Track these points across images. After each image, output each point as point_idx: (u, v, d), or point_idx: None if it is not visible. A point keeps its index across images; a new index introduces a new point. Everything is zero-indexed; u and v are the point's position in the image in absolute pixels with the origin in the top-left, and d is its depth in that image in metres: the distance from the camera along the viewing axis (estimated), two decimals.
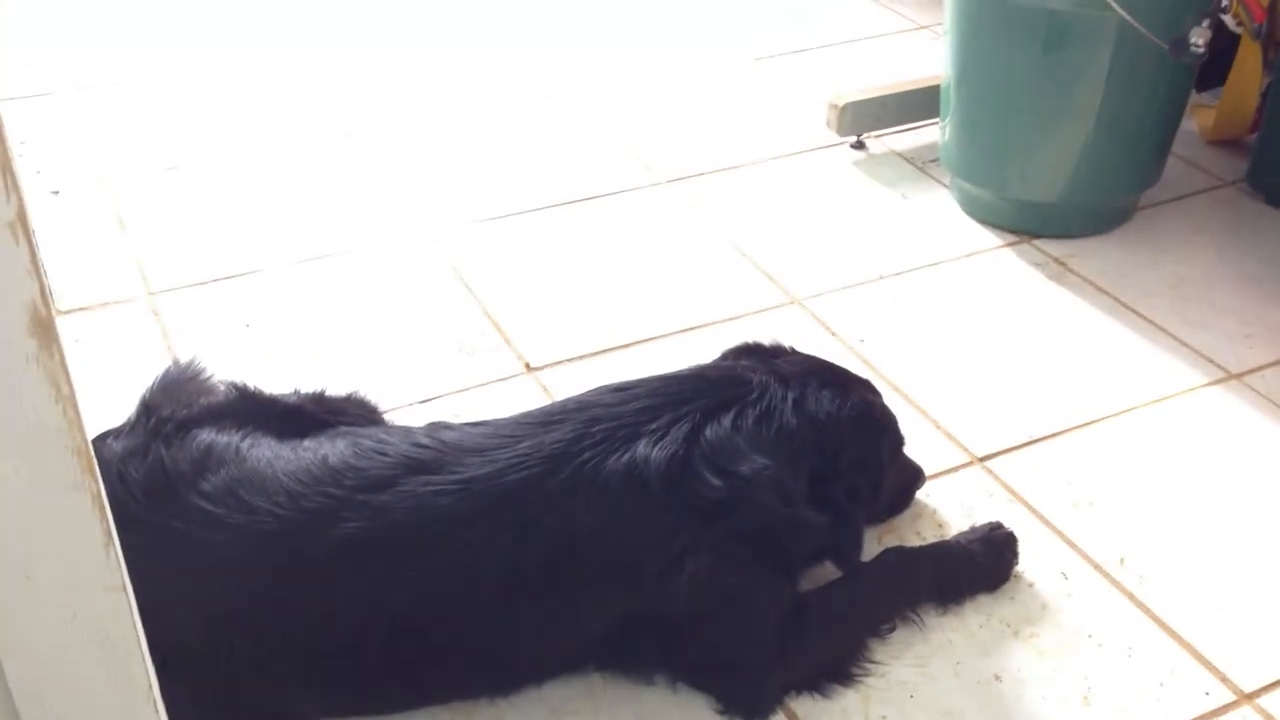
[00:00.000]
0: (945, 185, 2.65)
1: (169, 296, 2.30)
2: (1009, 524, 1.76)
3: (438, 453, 1.48)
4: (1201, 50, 2.26)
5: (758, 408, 1.56)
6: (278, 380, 1.76)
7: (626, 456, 1.47)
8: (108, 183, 2.65)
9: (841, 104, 2.76)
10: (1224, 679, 1.59)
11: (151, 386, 1.69)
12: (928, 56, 3.05)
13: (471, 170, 2.75)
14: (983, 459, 1.94)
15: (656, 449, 1.48)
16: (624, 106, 3.01)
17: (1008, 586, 1.72)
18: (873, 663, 1.60)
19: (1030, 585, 1.72)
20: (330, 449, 1.49)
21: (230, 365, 1.83)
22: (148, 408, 1.59)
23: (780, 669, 1.55)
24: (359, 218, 2.56)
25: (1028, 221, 2.50)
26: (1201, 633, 1.65)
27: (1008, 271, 2.41)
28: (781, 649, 1.54)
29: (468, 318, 2.26)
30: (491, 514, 1.44)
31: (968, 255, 2.46)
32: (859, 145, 2.82)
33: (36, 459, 0.75)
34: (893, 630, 1.64)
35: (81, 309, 2.25)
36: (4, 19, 3.42)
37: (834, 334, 2.22)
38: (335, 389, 1.77)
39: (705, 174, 2.72)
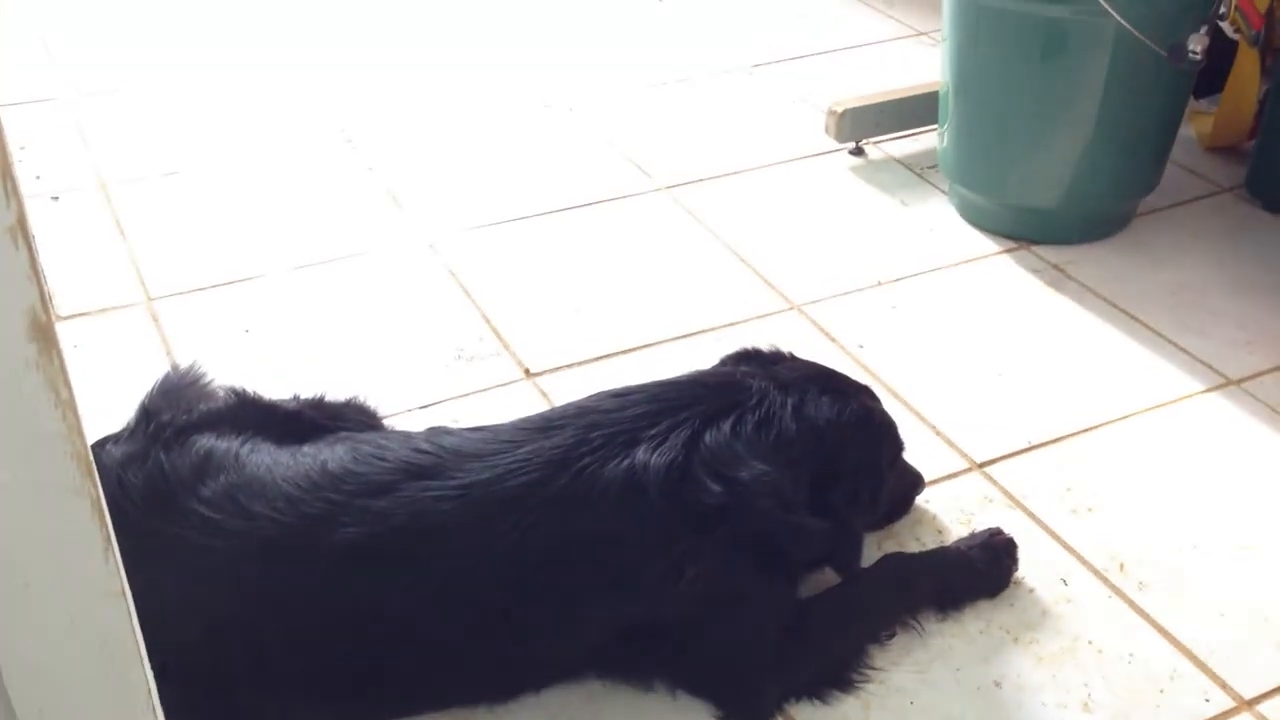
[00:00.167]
0: (944, 191, 2.66)
1: (168, 302, 2.30)
2: (1008, 530, 1.76)
3: (437, 458, 1.48)
4: (1199, 57, 2.27)
5: (757, 414, 1.56)
6: (277, 386, 1.76)
7: (626, 462, 1.47)
8: (107, 188, 2.65)
9: (840, 110, 2.76)
10: (1224, 685, 1.59)
11: (151, 392, 1.69)
12: (926, 63, 3.06)
13: (470, 176, 2.75)
14: (982, 465, 1.94)
15: (656, 455, 1.48)
16: (623, 112, 3.02)
17: (1007, 593, 1.71)
18: (873, 669, 1.59)
19: (1030, 591, 1.72)
20: (329, 454, 1.49)
21: (230, 371, 1.82)
22: (147, 413, 1.58)
23: (780, 675, 1.54)
24: (358, 223, 2.56)
25: (1026, 228, 2.50)
26: (1201, 639, 1.65)
27: (1006, 278, 2.41)
28: (781, 655, 1.54)
29: (467, 323, 2.26)
30: (491, 519, 1.44)
31: (966, 261, 2.46)
32: (858, 151, 2.82)
33: (36, 464, 0.74)
34: (892, 636, 1.64)
35: (81, 314, 2.25)
36: (4, 25, 3.42)
37: (833, 340, 2.22)
38: (334, 394, 1.77)
39: (704, 180, 2.73)
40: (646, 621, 1.49)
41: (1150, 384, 2.12)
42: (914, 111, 2.81)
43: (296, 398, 1.73)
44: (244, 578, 1.41)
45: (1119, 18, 2.17)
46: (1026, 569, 1.74)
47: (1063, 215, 2.48)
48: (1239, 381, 2.12)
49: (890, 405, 1.84)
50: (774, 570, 1.54)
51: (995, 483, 1.91)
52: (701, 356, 1.94)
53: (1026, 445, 1.98)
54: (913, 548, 1.78)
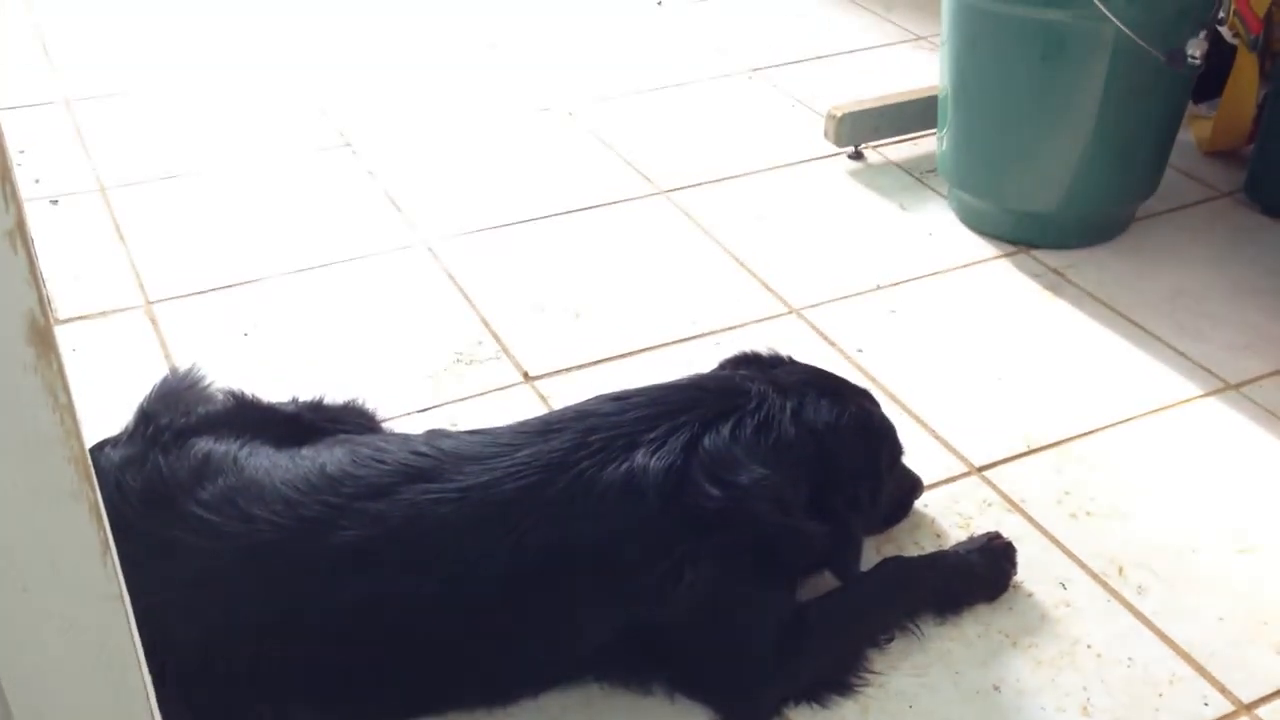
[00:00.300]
0: (943, 195, 2.66)
1: (167, 305, 2.30)
2: (1007, 534, 1.76)
3: (436, 461, 1.48)
4: (1198, 61, 2.27)
5: (756, 417, 1.56)
6: (276, 389, 1.76)
7: (625, 466, 1.47)
8: (107, 191, 2.66)
9: (839, 114, 2.77)
10: (1223, 689, 1.59)
11: (149, 395, 1.69)
12: (925, 67, 3.06)
13: (469, 179, 2.75)
14: (981, 469, 1.94)
15: (655, 459, 1.48)
16: (622, 116, 3.02)
17: (1006, 596, 1.71)
18: (871, 673, 1.59)
19: (1029, 595, 1.72)
20: (328, 457, 1.49)
21: (229, 374, 1.82)
22: (146, 416, 1.59)
23: (779, 679, 1.54)
24: (357, 226, 2.57)
25: (1025, 232, 2.51)
26: (1201, 642, 1.65)
27: (1005, 282, 2.41)
28: (780, 659, 1.54)
29: (466, 327, 2.26)
30: (489, 523, 1.44)
31: (965, 265, 2.46)
32: (857, 155, 2.83)
33: (34, 468, 0.75)
34: (891, 640, 1.64)
35: (80, 318, 2.25)
36: (3, 28, 3.42)
37: (832, 344, 2.22)
38: (333, 397, 1.77)
39: (703, 183, 2.73)
40: (645, 625, 1.49)
41: (1149, 388, 2.12)
42: (913, 116, 2.81)
43: (295, 401, 1.74)
44: (242, 580, 1.41)
45: (1118, 22, 2.17)
46: (1025, 573, 1.74)
47: (1062, 219, 2.48)
48: (1238, 385, 2.13)
49: (889, 409, 1.84)
50: (773, 574, 1.54)
51: (994, 486, 1.91)
52: (700, 360, 1.94)
53: (1025, 449, 1.98)
54: (911, 551, 1.78)
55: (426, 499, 1.44)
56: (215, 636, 1.40)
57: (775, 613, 1.55)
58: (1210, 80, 2.59)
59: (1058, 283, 2.40)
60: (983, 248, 2.51)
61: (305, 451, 1.51)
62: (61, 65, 3.21)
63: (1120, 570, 1.76)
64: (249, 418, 1.61)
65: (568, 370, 2.15)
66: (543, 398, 2.08)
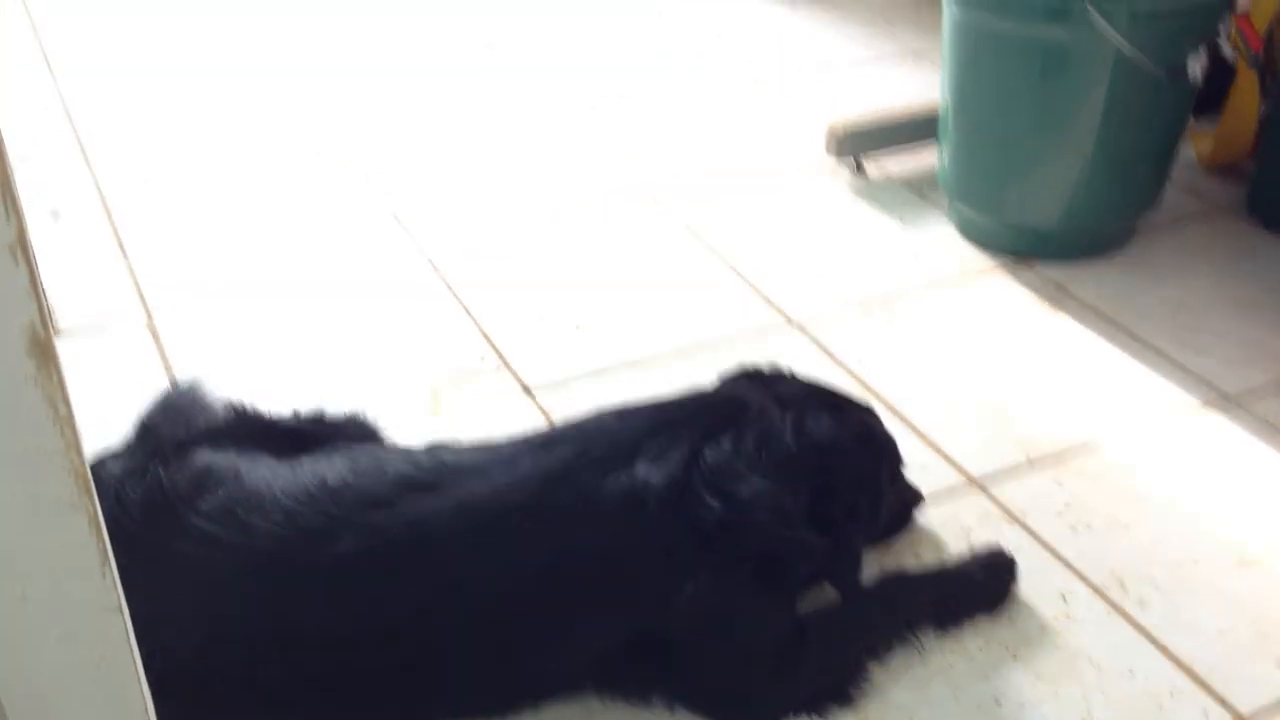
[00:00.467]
0: (943, 209, 2.66)
1: (168, 318, 2.30)
2: (1007, 546, 1.76)
3: (436, 472, 1.48)
4: (1199, 78, 2.27)
5: (756, 430, 1.56)
6: (277, 401, 1.76)
7: (625, 478, 1.47)
8: (108, 203, 2.66)
9: (840, 128, 2.77)
10: (1223, 701, 1.59)
11: (150, 408, 1.69)
12: (926, 82, 3.07)
13: (470, 193, 2.76)
14: (981, 481, 1.94)
15: (655, 471, 1.48)
16: (623, 129, 3.02)
17: (1007, 609, 1.71)
18: (871, 685, 1.59)
19: (1029, 608, 1.72)
20: (329, 468, 1.49)
21: (229, 386, 1.82)
22: (146, 429, 1.59)
23: (779, 691, 1.54)
24: (359, 239, 2.57)
25: (1026, 245, 2.51)
26: (1201, 655, 1.65)
27: (1006, 295, 2.42)
28: (780, 671, 1.53)
29: (467, 340, 2.26)
30: (489, 534, 1.44)
31: (965, 278, 2.46)
32: (857, 169, 2.83)
33: (34, 480, 0.75)
34: (892, 653, 1.63)
35: (81, 330, 2.26)
36: (4, 37, 3.44)
37: (832, 357, 2.23)
38: (334, 409, 1.77)
39: (704, 196, 2.73)
40: (645, 637, 1.49)
41: (1150, 401, 2.12)
42: (914, 129, 2.82)
43: (296, 413, 1.74)
44: (242, 591, 1.41)
45: (1118, 39, 2.18)
46: (1026, 586, 1.74)
47: (1062, 233, 2.49)
48: (1238, 399, 2.13)
49: (889, 422, 1.84)
50: (773, 586, 1.53)
51: (994, 499, 1.90)
52: (701, 373, 1.93)
53: (1026, 462, 1.98)
54: (912, 564, 1.77)
55: (426, 510, 1.44)
56: (214, 647, 1.40)
57: (775, 624, 1.55)
58: (1211, 96, 2.59)
59: (1058, 296, 2.40)
60: (983, 260, 2.52)
61: (306, 463, 1.52)
62: (63, 75, 3.22)
63: (1121, 583, 1.76)
64: (249, 429, 1.61)
65: (568, 383, 2.15)
66: (543, 410, 2.08)
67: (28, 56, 3.35)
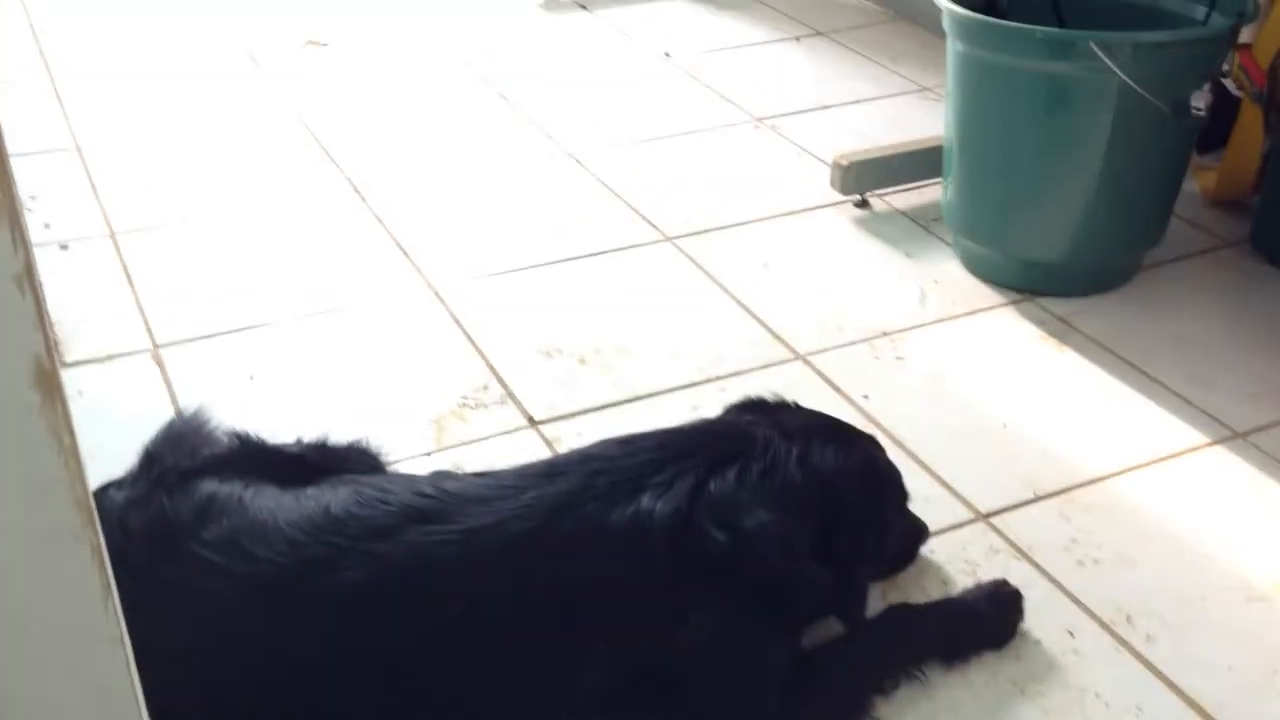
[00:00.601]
0: (948, 243, 2.67)
1: (174, 349, 2.31)
2: (1014, 581, 1.75)
3: (440, 502, 1.47)
4: (1202, 113, 2.28)
5: (762, 462, 1.56)
6: (281, 431, 1.76)
7: (630, 509, 1.47)
8: (116, 237, 2.67)
9: (845, 163, 2.78)
10: None
11: (155, 438, 1.69)
12: (930, 117, 3.08)
13: (476, 225, 2.77)
14: (987, 515, 1.93)
15: (660, 502, 1.48)
16: (628, 163, 3.04)
17: (1013, 644, 1.70)
18: None
19: (1036, 643, 1.71)
20: (333, 497, 1.49)
21: (234, 417, 1.83)
22: (151, 458, 1.59)
23: None
24: (364, 271, 2.58)
25: (1031, 280, 2.51)
26: (1210, 691, 1.63)
27: (1011, 329, 2.41)
28: (784, 706, 1.52)
29: (472, 371, 2.26)
30: (493, 564, 1.43)
31: (971, 312, 2.46)
32: (863, 204, 2.84)
33: (37, 511, 0.75)
34: (897, 688, 1.62)
35: (87, 360, 2.26)
36: (16, 75, 3.46)
37: (838, 390, 2.22)
38: (338, 438, 1.77)
39: (709, 230, 2.74)
40: (648, 669, 1.48)
41: (1156, 436, 2.12)
42: (918, 165, 2.82)
43: (300, 441, 1.74)
44: (245, 621, 1.40)
45: (1121, 75, 2.19)
46: (1032, 620, 1.73)
47: (1067, 268, 2.49)
48: (1245, 434, 2.12)
49: (895, 455, 1.83)
50: (778, 620, 1.53)
51: (1001, 533, 1.90)
52: (706, 406, 1.94)
53: (1032, 496, 1.97)
54: (918, 598, 1.76)
55: (430, 540, 1.43)
56: (217, 678, 1.39)
57: (780, 658, 1.54)
58: (1215, 131, 2.60)
59: (1064, 330, 2.40)
60: (988, 295, 2.52)
61: (310, 492, 1.51)
62: (74, 112, 3.24)
63: (1128, 618, 1.75)
64: (254, 459, 1.61)
65: (573, 415, 2.15)
66: (548, 442, 2.08)
67: (42, 94, 3.37)
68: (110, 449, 1.68)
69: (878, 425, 2.12)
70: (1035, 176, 2.41)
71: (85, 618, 0.79)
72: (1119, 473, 2.03)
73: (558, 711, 1.53)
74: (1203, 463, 2.06)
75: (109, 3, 4.01)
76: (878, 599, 1.73)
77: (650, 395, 2.20)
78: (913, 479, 1.86)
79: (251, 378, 2.23)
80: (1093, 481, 2.01)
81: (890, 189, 2.86)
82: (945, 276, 2.58)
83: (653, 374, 2.26)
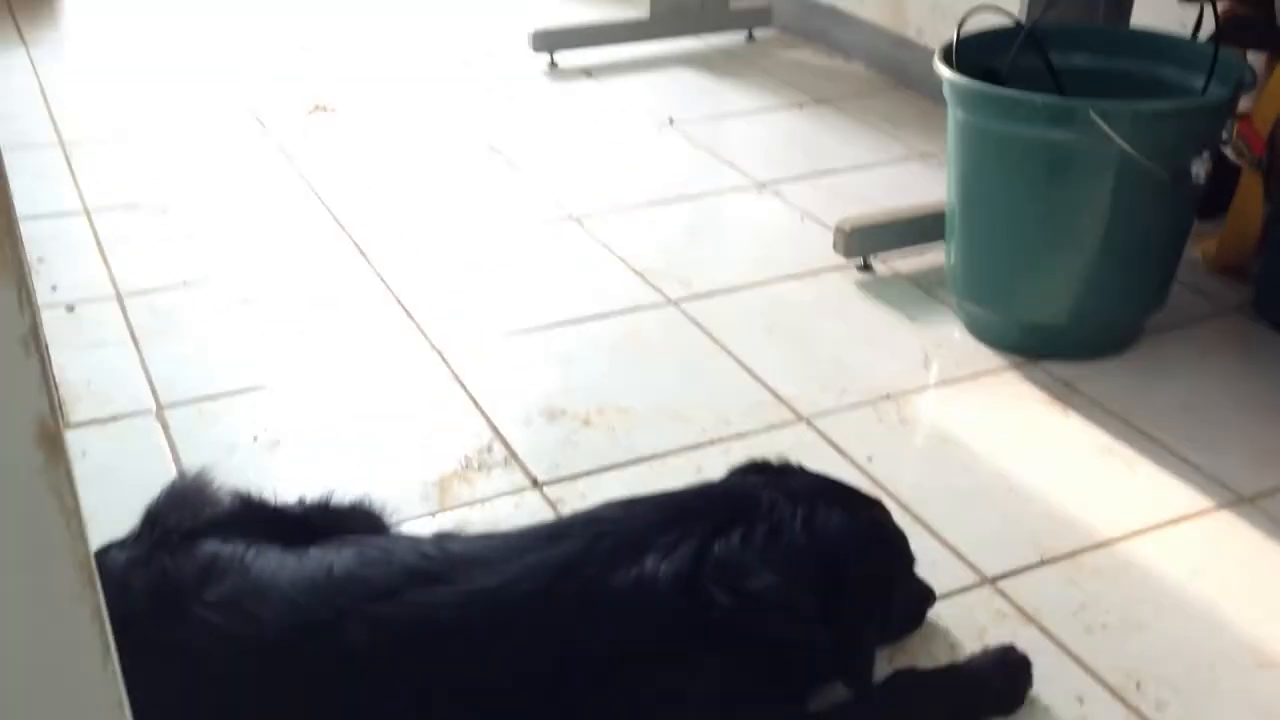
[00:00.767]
0: (951, 307, 2.67)
1: (178, 410, 2.31)
2: (1022, 646, 1.73)
3: (443, 564, 1.47)
4: (1202, 180, 2.30)
5: (767, 525, 1.55)
6: (285, 491, 1.76)
7: (634, 572, 1.46)
8: (123, 299, 2.69)
9: (848, 227, 2.80)
10: None
11: (157, 498, 1.69)
12: (933, 182, 3.10)
13: (479, 286, 2.78)
14: (994, 579, 1.92)
15: (664, 564, 1.47)
16: (632, 227, 3.06)
17: (1022, 710, 1.68)
18: None
19: (1045, 709, 1.68)
20: (336, 558, 1.48)
21: (238, 477, 1.82)
22: (153, 519, 1.58)
23: None
24: (368, 332, 2.59)
25: (1034, 343, 2.51)
26: None
27: (1015, 392, 2.41)
28: None
29: (475, 432, 2.26)
30: (496, 627, 1.42)
31: (975, 375, 2.46)
32: (865, 267, 2.85)
33: (38, 572, 0.74)
34: None
35: (91, 421, 2.26)
36: (27, 139, 3.50)
37: (842, 452, 2.22)
38: (341, 498, 1.77)
39: (713, 293, 2.75)
40: None
41: (1163, 499, 2.11)
42: (921, 229, 2.84)
43: (303, 502, 1.73)
44: (247, 683, 1.39)
45: (1121, 142, 2.20)
46: (1041, 686, 1.70)
47: (1071, 331, 2.49)
48: (1253, 499, 2.11)
49: (900, 518, 1.82)
50: (783, 684, 1.51)
51: (1008, 598, 1.88)
52: (711, 468, 1.93)
53: (1039, 560, 1.96)
54: (925, 663, 1.74)
55: (433, 602, 1.42)
56: None
57: None
58: (1215, 199, 2.62)
59: (1068, 394, 2.40)
60: (992, 358, 2.52)
61: (313, 552, 1.51)
62: (84, 176, 3.27)
63: (1138, 685, 1.73)
64: (256, 519, 1.60)
65: (577, 476, 2.14)
66: (551, 503, 2.07)
67: (52, 157, 3.41)
68: (113, 509, 1.68)
69: (882, 488, 2.11)
70: (1037, 242, 2.43)
71: (84, 680, 0.78)
72: (1126, 536, 2.02)
73: None
74: (1210, 527, 2.05)
75: (118, 67, 4.08)
76: (884, 663, 1.71)
77: (654, 457, 2.20)
78: (918, 542, 1.84)
79: (255, 438, 2.23)
80: (1100, 545, 2.00)
81: (893, 253, 2.88)
82: (949, 339, 2.59)
83: (656, 436, 2.25)
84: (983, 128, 2.39)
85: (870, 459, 2.20)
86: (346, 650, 1.39)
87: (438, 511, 2.05)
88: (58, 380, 2.34)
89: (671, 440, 2.24)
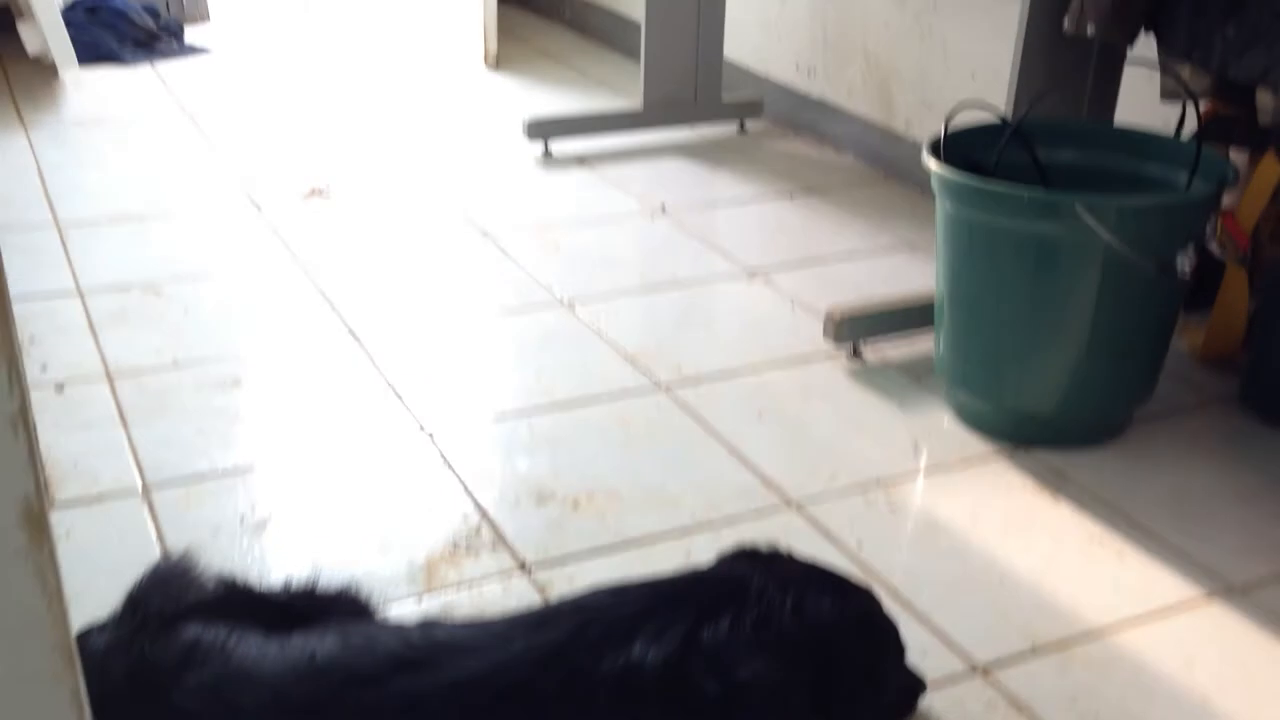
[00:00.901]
0: (940, 395, 2.68)
1: (164, 491, 2.29)
2: None
3: (428, 650, 1.45)
4: (1188, 273, 2.32)
5: (755, 612, 1.54)
6: (269, 574, 1.74)
7: (621, 659, 1.45)
8: (114, 380, 2.69)
9: (838, 314, 2.82)
10: None
11: (139, 581, 1.67)
12: (921, 271, 3.14)
13: (468, 370, 2.79)
14: (985, 668, 1.90)
15: (652, 651, 1.45)
16: (622, 313, 3.08)
17: None
18: None
19: None
20: (319, 645, 1.46)
21: (222, 559, 1.81)
22: (135, 602, 1.56)
23: None
24: (358, 414, 2.59)
25: (1023, 432, 2.52)
26: None
27: (1005, 480, 2.41)
28: None
29: (463, 515, 2.25)
30: (481, 716, 1.40)
31: (964, 462, 2.47)
32: (855, 355, 2.87)
33: (18, 652, 0.73)
34: None
35: (76, 501, 2.25)
36: (22, 220, 3.53)
37: (832, 539, 2.21)
38: (327, 583, 1.75)
39: (702, 379, 2.76)
40: None
41: (1154, 588, 2.10)
42: (910, 317, 2.87)
43: (288, 587, 1.71)
44: None
45: (1108, 236, 2.23)
46: None
47: (1060, 420, 2.50)
48: (1244, 589, 2.10)
49: (890, 605, 1.81)
50: None
51: (999, 688, 1.86)
52: (699, 553, 1.92)
53: (1030, 648, 1.94)
54: None
55: (418, 690, 1.40)
56: None
57: None
58: (1201, 292, 2.65)
59: (1058, 482, 2.40)
60: (981, 446, 2.52)
61: (296, 639, 1.49)
62: (78, 257, 3.29)
63: None
64: (240, 604, 1.59)
65: (565, 560, 2.13)
66: (539, 587, 2.05)
67: (46, 238, 3.43)
68: (96, 590, 1.66)
69: (872, 574, 2.10)
70: (1025, 332, 2.44)
71: None
72: (1118, 625, 2.00)
73: None
74: (1203, 617, 2.04)
75: (114, 148, 4.12)
76: None
77: (643, 542, 2.19)
78: (908, 629, 1.83)
79: (242, 519, 2.22)
80: (1092, 634, 1.98)
81: (882, 338, 2.90)
82: (938, 427, 2.59)
83: (646, 520, 2.24)
84: (971, 220, 2.42)
85: (860, 545, 2.19)
86: None
87: (424, 594, 2.03)
88: (44, 459, 2.33)
89: (661, 525, 2.24)
